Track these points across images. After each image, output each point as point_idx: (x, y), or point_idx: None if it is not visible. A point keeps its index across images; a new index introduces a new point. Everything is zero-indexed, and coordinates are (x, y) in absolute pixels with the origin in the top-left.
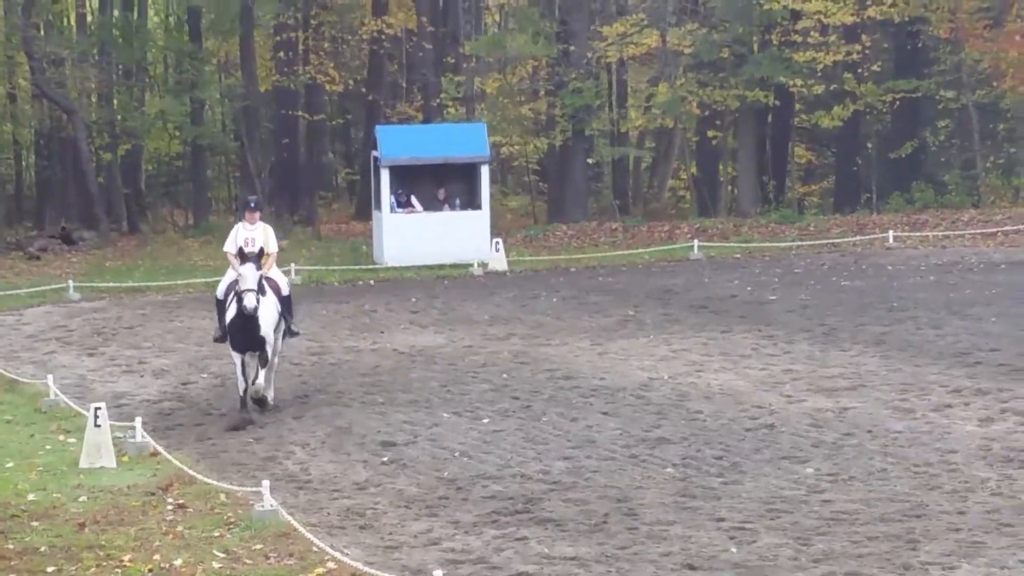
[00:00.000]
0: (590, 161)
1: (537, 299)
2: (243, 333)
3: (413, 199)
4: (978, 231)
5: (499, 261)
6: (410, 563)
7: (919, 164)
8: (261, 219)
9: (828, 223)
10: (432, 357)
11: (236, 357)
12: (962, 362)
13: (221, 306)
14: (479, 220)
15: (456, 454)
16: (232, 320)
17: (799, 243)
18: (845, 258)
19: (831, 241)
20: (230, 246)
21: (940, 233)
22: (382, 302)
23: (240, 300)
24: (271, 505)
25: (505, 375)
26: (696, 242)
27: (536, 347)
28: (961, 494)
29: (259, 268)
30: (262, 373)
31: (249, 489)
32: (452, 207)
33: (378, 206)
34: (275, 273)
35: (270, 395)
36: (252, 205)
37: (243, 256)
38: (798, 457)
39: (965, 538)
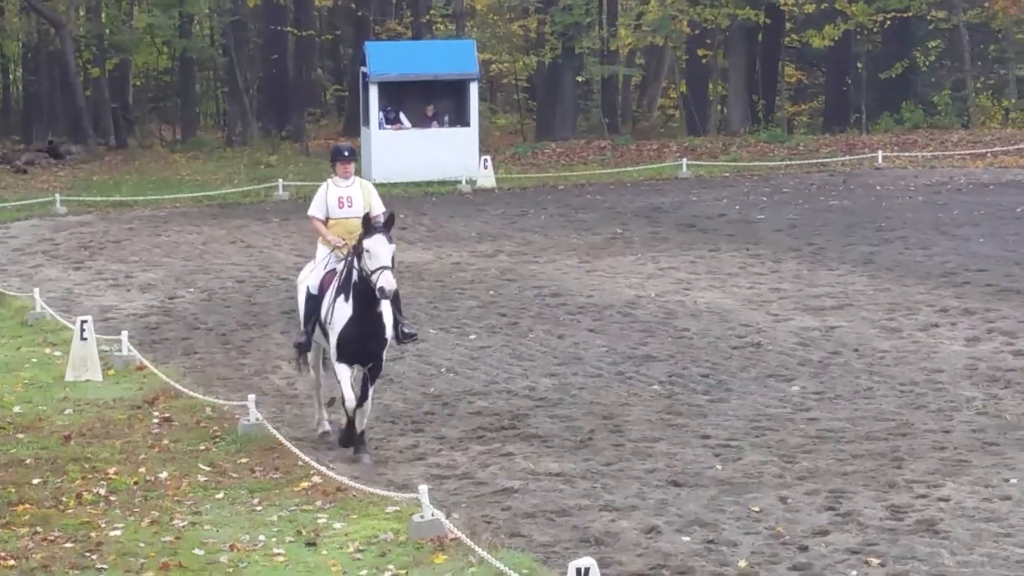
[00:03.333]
0: (579, 79)
1: (525, 216)
2: (364, 337)
3: (401, 115)
4: (967, 152)
5: (487, 178)
6: (395, 478)
7: (909, 84)
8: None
9: (817, 143)
10: (419, 273)
11: (344, 372)
12: (949, 282)
13: (314, 303)
14: (467, 137)
15: (443, 370)
16: (350, 322)
17: (788, 162)
18: (834, 178)
19: (820, 161)
20: (317, 210)
21: (929, 153)
22: None
23: (360, 282)
24: (257, 419)
25: (492, 292)
26: (685, 161)
27: (523, 264)
28: (946, 413)
29: (392, 240)
30: (371, 392)
31: (235, 403)
32: (440, 124)
33: (366, 122)
34: None
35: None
36: (346, 154)
37: (368, 225)
38: (784, 375)
39: (950, 456)
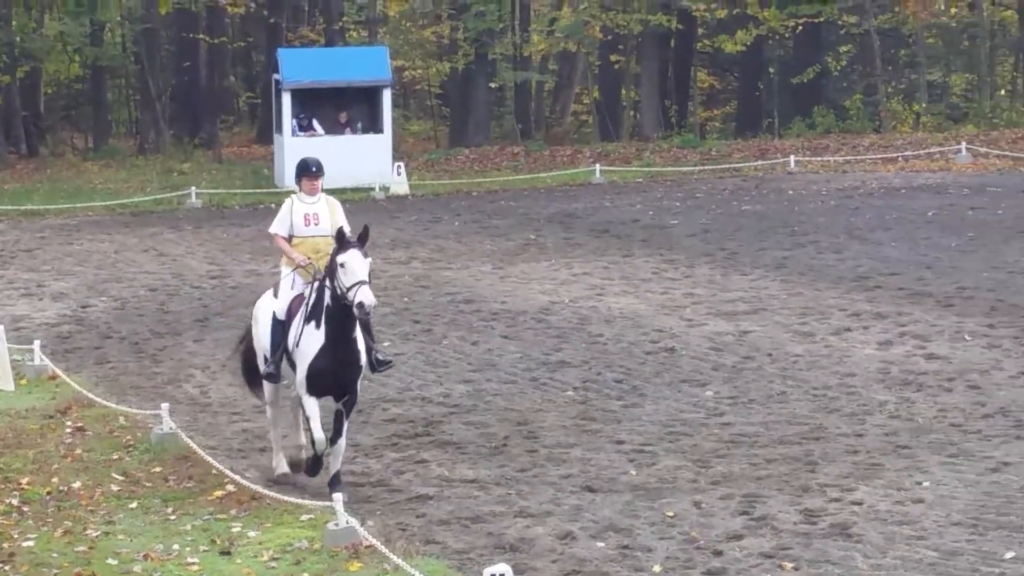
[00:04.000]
0: (492, 85)
1: (438, 223)
2: (337, 366)
3: (314, 122)
4: (879, 156)
5: (401, 185)
6: (310, 485)
7: (821, 89)
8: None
9: (730, 148)
10: None
11: (313, 408)
12: (862, 286)
13: (280, 329)
14: (381, 144)
15: None
16: (322, 352)
17: (701, 168)
18: (746, 183)
19: (733, 166)
20: (280, 227)
21: (841, 158)
22: None
23: (333, 305)
24: (170, 428)
25: (406, 299)
26: (598, 166)
27: (437, 271)
28: (859, 417)
29: (367, 255)
30: (344, 428)
31: (148, 412)
32: (354, 131)
33: (279, 129)
34: None
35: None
36: (313, 170)
37: (343, 240)
38: (698, 380)
39: (863, 460)
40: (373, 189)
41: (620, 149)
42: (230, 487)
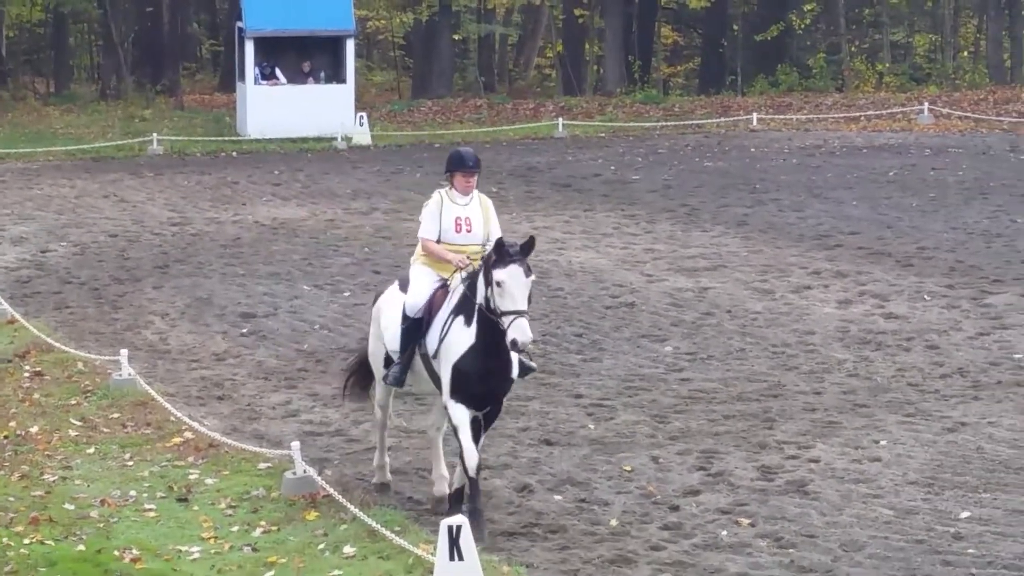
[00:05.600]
0: (456, 37)
1: (400, 174)
2: (489, 373)
3: (277, 71)
4: (841, 115)
5: (363, 135)
6: (268, 434)
7: (784, 47)
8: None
9: (692, 104)
10: (294, 230)
11: (463, 416)
12: (822, 244)
13: (415, 328)
14: (344, 94)
15: (316, 327)
16: (472, 352)
17: (663, 123)
18: (709, 139)
19: (695, 122)
20: (429, 231)
21: (804, 116)
22: (244, 174)
23: (487, 309)
24: (129, 374)
25: (367, 249)
26: (561, 120)
27: (398, 222)
28: (818, 375)
29: (531, 272)
30: (482, 443)
31: (107, 358)
32: (317, 80)
33: (242, 77)
34: None
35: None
36: (470, 164)
37: (502, 252)
38: (657, 336)
39: (821, 418)
40: (335, 139)
41: (583, 104)
42: (188, 434)
